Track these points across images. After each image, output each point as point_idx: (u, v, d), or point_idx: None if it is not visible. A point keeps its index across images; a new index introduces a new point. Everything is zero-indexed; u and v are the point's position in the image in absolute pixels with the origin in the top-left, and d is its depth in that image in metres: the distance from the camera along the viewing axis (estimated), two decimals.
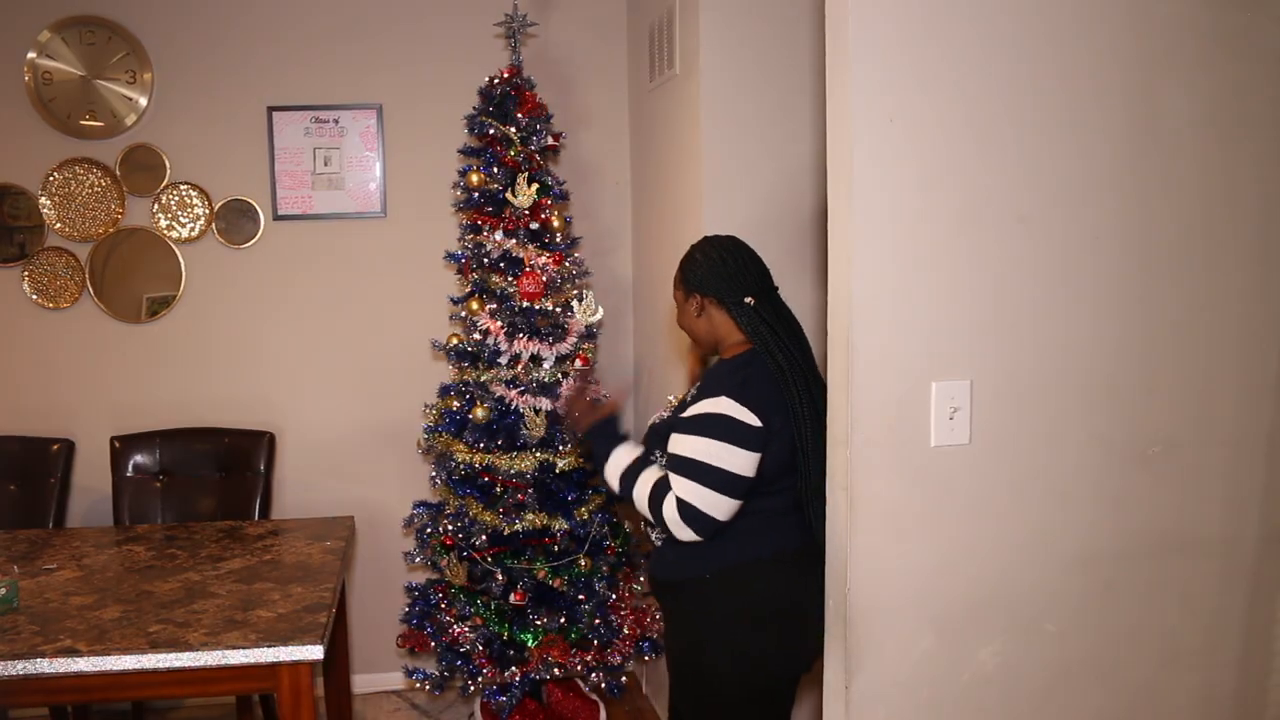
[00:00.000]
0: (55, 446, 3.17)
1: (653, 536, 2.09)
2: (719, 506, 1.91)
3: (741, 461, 1.90)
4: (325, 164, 3.34)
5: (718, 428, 1.90)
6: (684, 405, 2.04)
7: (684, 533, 1.93)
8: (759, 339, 1.99)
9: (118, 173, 3.23)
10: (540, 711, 3.00)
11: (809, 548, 1.97)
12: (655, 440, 2.05)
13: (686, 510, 1.91)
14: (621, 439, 2.09)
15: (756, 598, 1.98)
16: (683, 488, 1.91)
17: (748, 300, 2.01)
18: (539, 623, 2.82)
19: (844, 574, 1.74)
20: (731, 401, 1.91)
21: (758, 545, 1.98)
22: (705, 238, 2.11)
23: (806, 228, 2.76)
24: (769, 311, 2.01)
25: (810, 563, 1.94)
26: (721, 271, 2.02)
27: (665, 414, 2.12)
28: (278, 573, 2.46)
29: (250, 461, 3.18)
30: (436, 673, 2.92)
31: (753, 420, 1.90)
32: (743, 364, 1.99)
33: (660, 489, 1.94)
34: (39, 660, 1.98)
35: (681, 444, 1.94)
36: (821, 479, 1.91)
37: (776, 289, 2.07)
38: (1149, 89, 1.74)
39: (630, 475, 2.01)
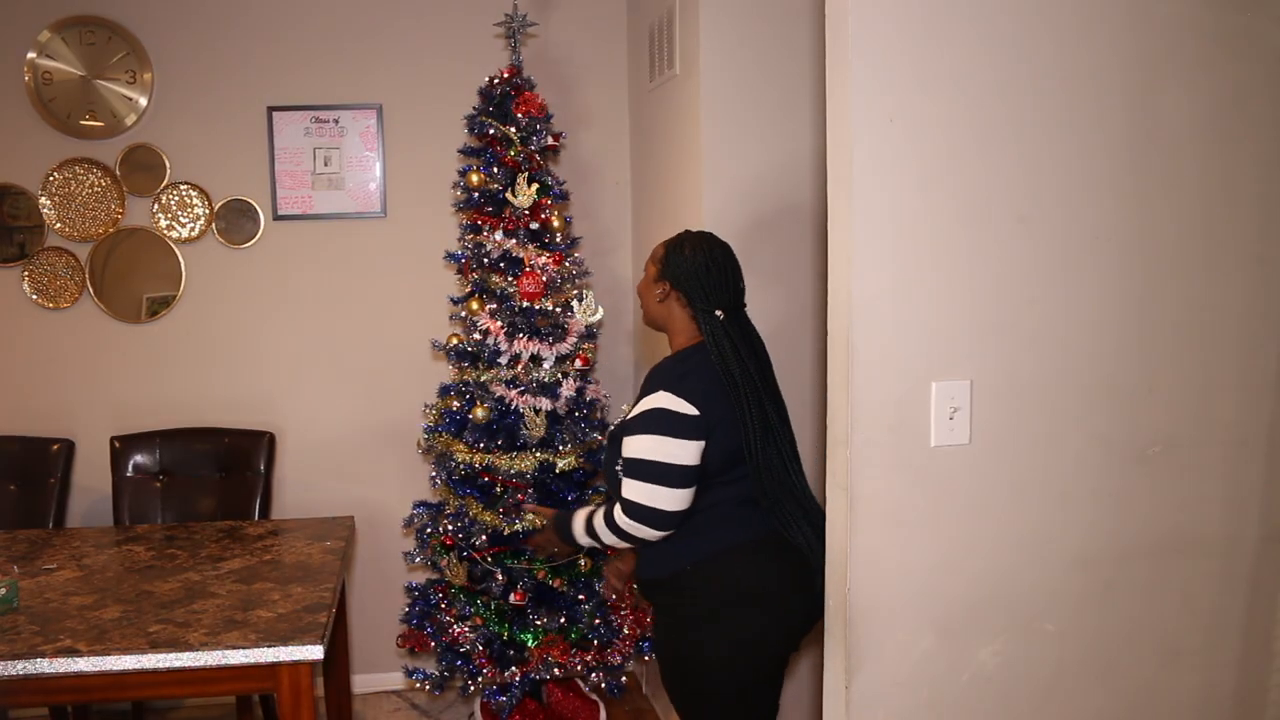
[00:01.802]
0: (55, 446, 3.17)
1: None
2: (667, 498, 1.96)
3: (683, 452, 1.95)
4: (325, 164, 3.34)
5: (656, 422, 1.96)
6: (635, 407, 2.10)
7: (642, 531, 1.99)
8: (718, 351, 2.02)
9: (118, 173, 3.24)
10: (540, 711, 3.00)
11: (775, 535, 2.02)
12: (612, 447, 2.10)
13: (633, 509, 1.97)
14: (567, 516, 2.19)
15: (735, 582, 2.02)
16: (629, 489, 1.98)
17: (718, 313, 2.05)
18: (539, 623, 2.82)
19: (844, 574, 1.74)
20: (667, 394, 1.97)
21: (728, 534, 2.03)
22: (702, 234, 2.13)
23: (806, 227, 2.76)
24: (734, 329, 2.05)
25: (780, 548, 2.01)
26: (703, 279, 2.05)
27: (622, 419, 2.15)
28: (278, 573, 2.46)
29: (250, 461, 3.18)
30: (436, 673, 2.92)
31: (688, 409, 1.96)
32: (683, 359, 2.06)
33: (610, 510, 2.03)
34: (39, 660, 1.98)
35: (629, 445, 2.00)
36: (774, 486, 2.00)
37: (745, 306, 2.12)
38: (1149, 89, 1.74)
39: (590, 524, 2.11)
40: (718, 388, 1.99)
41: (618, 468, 2.06)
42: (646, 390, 2.03)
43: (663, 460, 1.94)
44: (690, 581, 2.02)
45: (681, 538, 2.02)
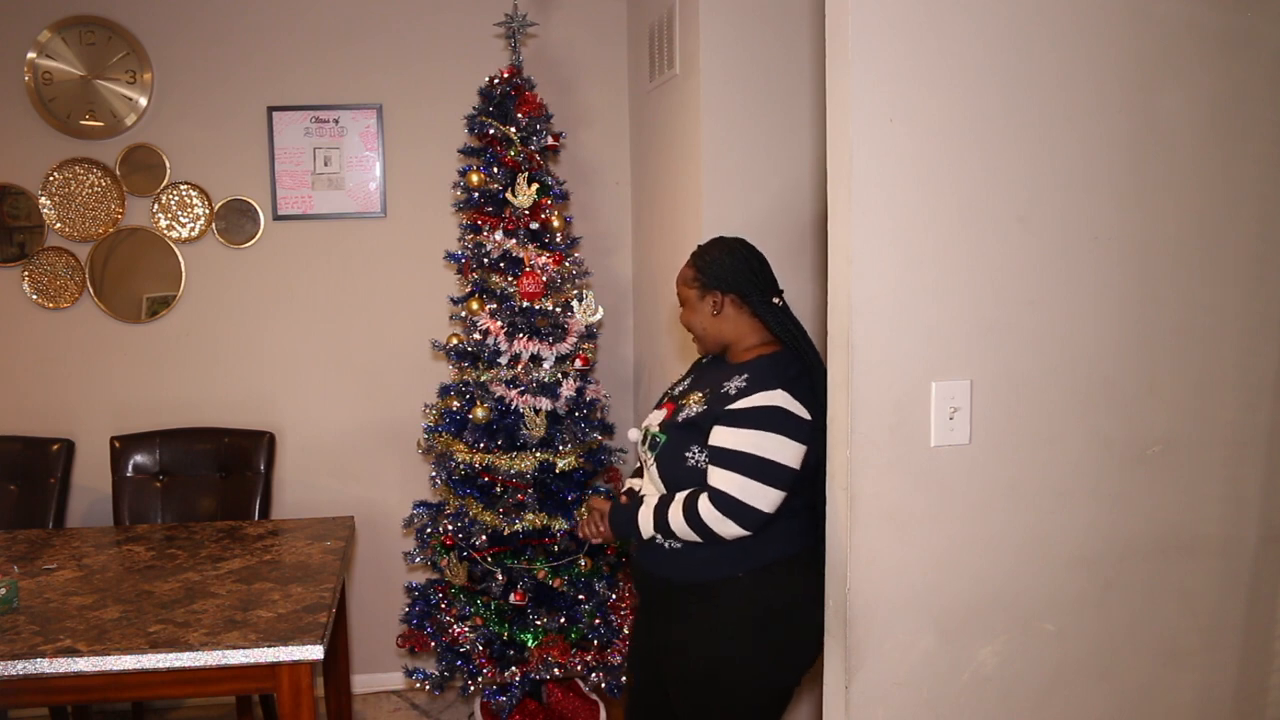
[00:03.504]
0: (55, 446, 3.17)
1: (666, 544, 2.02)
2: (760, 496, 1.88)
3: (789, 453, 1.90)
4: (325, 164, 3.34)
5: (770, 419, 1.89)
6: (720, 398, 1.97)
7: (726, 527, 1.89)
8: (790, 338, 2.00)
9: (118, 173, 3.24)
10: (540, 711, 3.00)
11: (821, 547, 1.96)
12: (694, 436, 1.98)
13: (722, 500, 1.88)
14: (634, 506, 2.04)
15: (789, 593, 1.97)
16: (720, 479, 1.89)
17: (775, 300, 2.02)
18: (539, 623, 2.82)
19: (844, 574, 1.74)
20: (786, 394, 1.91)
21: (790, 542, 1.97)
22: (720, 238, 2.09)
23: (806, 228, 2.76)
24: (791, 314, 2.04)
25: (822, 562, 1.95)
26: (744, 269, 2.02)
27: (699, 408, 2.01)
28: (278, 573, 2.46)
29: (250, 461, 3.18)
30: (436, 673, 2.92)
31: (804, 413, 1.91)
32: (787, 362, 1.98)
33: (691, 499, 1.92)
34: (39, 660, 1.98)
35: (727, 436, 1.91)
36: None
37: (783, 291, 2.08)
38: (1148, 89, 1.74)
39: (660, 514, 1.97)
40: (813, 392, 1.95)
41: (690, 456, 1.97)
42: (756, 386, 1.93)
43: (768, 457, 1.88)
44: (739, 590, 1.96)
45: (744, 542, 1.94)
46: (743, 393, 1.94)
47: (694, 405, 2.02)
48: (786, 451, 1.89)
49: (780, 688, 2.02)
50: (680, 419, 2.02)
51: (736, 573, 1.96)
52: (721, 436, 1.92)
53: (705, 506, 1.90)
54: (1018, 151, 1.71)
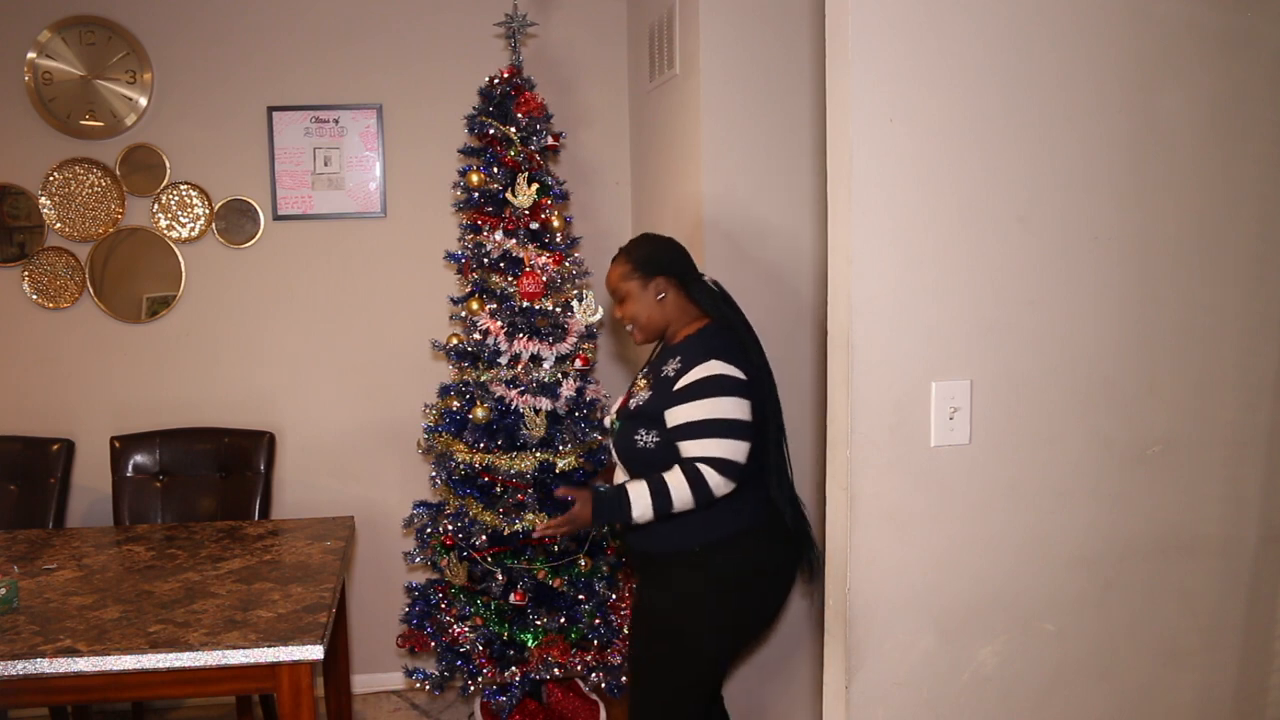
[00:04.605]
0: (55, 446, 3.17)
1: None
2: (740, 451, 2.08)
3: (743, 409, 2.10)
4: (325, 164, 3.34)
5: (716, 386, 2.08)
6: (662, 382, 2.16)
7: (725, 487, 2.09)
8: (719, 314, 2.21)
9: (118, 173, 3.24)
10: (540, 711, 3.00)
11: (775, 518, 2.19)
12: (640, 422, 2.16)
13: (722, 466, 2.07)
14: (617, 491, 2.16)
15: (740, 564, 2.17)
16: (711, 447, 2.06)
17: (707, 279, 2.25)
18: (539, 623, 2.82)
19: (844, 574, 1.74)
20: (719, 362, 2.10)
21: (738, 519, 2.15)
22: (645, 234, 2.34)
23: (806, 227, 2.76)
24: (720, 291, 2.27)
25: (780, 532, 2.18)
26: (678, 254, 2.27)
27: (646, 394, 2.20)
28: (278, 573, 2.46)
29: (250, 461, 3.18)
30: (436, 673, 2.92)
31: (739, 374, 2.11)
32: (711, 334, 2.18)
33: (691, 471, 2.07)
34: (39, 660, 1.98)
35: (688, 411, 2.09)
36: (778, 457, 2.20)
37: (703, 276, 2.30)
38: (1148, 89, 1.74)
39: (660, 495, 2.10)
40: (744, 352, 2.14)
41: (639, 439, 2.15)
42: (690, 364, 2.12)
43: (728, 416, 2.07)
44: (695, 561, 2.15)
45: (698, 518, 2.13)
46: (680, 373, 2.13)
47: (642, 392, 2.22)
48: (741, 408, 2.09)
49: (726, 646, 2.25)
50: (632, 406, 2.23)
51: (693, 546, 2.15)
52: (680, 414, 2.10)
53: (712, 476, 2.06)
54: (1018, 151, 1.71)
